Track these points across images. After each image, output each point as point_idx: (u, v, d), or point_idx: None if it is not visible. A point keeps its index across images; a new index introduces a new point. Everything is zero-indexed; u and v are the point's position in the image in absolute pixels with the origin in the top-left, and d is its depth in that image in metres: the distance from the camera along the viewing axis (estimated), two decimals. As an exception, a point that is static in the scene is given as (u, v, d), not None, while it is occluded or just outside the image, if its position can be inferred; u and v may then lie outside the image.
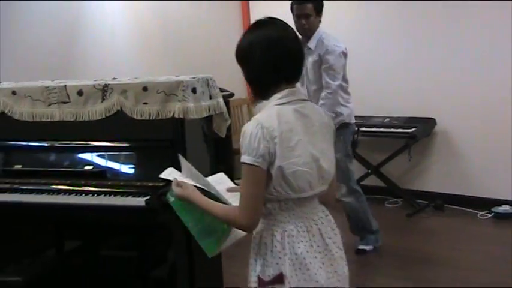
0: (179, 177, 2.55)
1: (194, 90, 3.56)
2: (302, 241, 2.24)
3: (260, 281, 2.28)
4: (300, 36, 2.61)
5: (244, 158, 2.18)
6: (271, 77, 2.26)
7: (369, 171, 6.42)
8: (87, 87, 3.69)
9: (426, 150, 6.27)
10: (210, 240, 2.47)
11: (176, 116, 3.49)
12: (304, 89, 4.80)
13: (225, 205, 2.35)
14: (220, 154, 4.03)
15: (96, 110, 3.67)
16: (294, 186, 2.20)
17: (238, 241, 2.54)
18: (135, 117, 3.58)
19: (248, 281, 2.37)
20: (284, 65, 2.26)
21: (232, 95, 6.65)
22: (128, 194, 3.49)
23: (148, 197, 3.36)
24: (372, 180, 6.45)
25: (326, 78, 4.67)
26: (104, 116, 3.65)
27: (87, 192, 3.58)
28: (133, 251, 4.00)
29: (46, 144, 3.86)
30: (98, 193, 3.55)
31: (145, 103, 3.56)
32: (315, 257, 2.25)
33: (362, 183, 6.46)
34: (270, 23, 2.31)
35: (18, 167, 3.84)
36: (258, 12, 6.67)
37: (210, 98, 3.73)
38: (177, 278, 3.60)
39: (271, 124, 2.18)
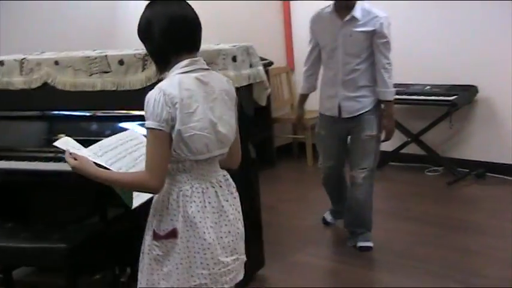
0: (72, 147, 2.61)
1: (234, 59, 3.56)
2: (195, 201, 2.38)
3: (155, 234, 2.44)
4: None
5: (149, 124, 2.31)
6: (171, 49, 2.40)
7: (409, 139, 6.37)
8: (127, 57, 3.72)
9: (467, 118, 6.19)
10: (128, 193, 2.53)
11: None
12: (336, 61, 4.40)
13: (127, 172, 2.47)
14: (260, 123, 4.04)
15: (136, 80, 3.70)
16: (192, 149, 2.34)
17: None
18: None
19: (144, 237, 2.54)
20: (182, 37, 2.40)
21: (271, 63, 6.68)
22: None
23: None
24: (412, 149, 6.41)
25: (383, 51, 4.28)
26: (144, 85, 3.68)
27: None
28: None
29: (88, 114, 3.91)
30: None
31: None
32: (207, 217, 2.39)
33: (402, 151, 6.42)
34: None
35: (61, 136, 3.89)
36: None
37: (250, 66, 3.73)
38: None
39: (172, 91, 2.30)
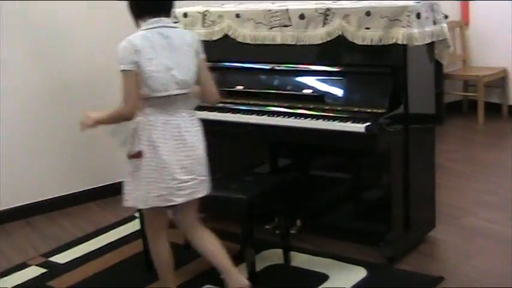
0: None
1: (418, 16, 3.45)
2: (157, 129, 2.97)
3: (128, 155, 3.02)
4: None
5: (121, 67, 2.92)
6: (140, 12, 3.03)
7: None
8: (309, 11, 3.71)
9: None
10: None
11: (399, 42, 3.42)
12: None
13: (111, 110, 3.04)
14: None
15: (317, 34, 3.69)
16: (151, 87, 2.94)
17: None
18: (356, 42, 3.55)
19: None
20: (147, 5, 3.02)
21: (446, 17, 6.40)
22: (346, 120, 3.51)
23: (369, 124, 3.36)
24: None
25: None
26: (324, 41, 3.67)
27: (305, 116, 3.66)
28: (346, 173, 4.03)
29: (266, 67, 3.96)
30: (317, 117, 3.61)
31: (368, 28, 3.51)
32: (167, 142, 2.97)
33: None
34: None
35: (240, 87, 3.99)
36: None
37: (434, 23, 3.61)
38: (391, 203, 3.61)
39: (135, 41, 2.92)
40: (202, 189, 3.13)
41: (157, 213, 3.14)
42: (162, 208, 3.10)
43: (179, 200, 3.04)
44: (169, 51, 2.99)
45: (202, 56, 3.14)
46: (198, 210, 3.28)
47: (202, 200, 3.42)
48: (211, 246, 3.24)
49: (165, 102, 2.99)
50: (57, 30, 4.67)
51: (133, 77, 2.92)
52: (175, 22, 3.18)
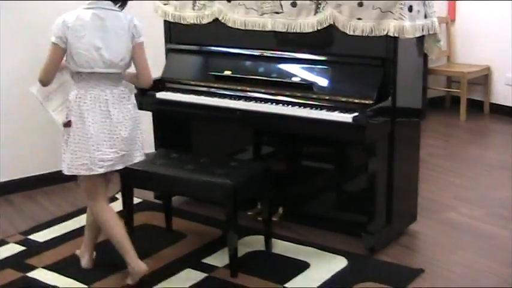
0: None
1: (410, 9, 3.45)
2: (86, 102, 3.21)
3: (62, 123, 3.28)
4: None
5: (51, 38, 3.16)
6: None
7: None
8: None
9: None
10: None
11: (390, 34, 3.42)
12: None
13: None
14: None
15: (308, 23, 3.67)
16: (77, 63, 3.18)
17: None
18: (347, 32, 3.55)
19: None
20: None
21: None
22: (334, 109, 3.51)
23: (356, 114, 3.36)
24: None
25: None
26: (315, 29, 3.66)
27: (293, 104, 3.65)
28: (330, 163, 4.04)
29: (256, 53, 3.94)
30: (304, 105, 3.61)
31: (359, 18, 3.51)
32: (94, 116, 3.21)
33: None
34: None
35: (228, 73, 3.97)
36: None
37: (425, 17, 3.61)
38: (374, 195, 3.62)
39: (68, 19, 3.15)
40: (123, 163, 3.34)
41: (92, 180, 3.34)
42: (95, 176, 3.31)
43: (100, 171, 3.26)
44: (102, 32, 3.19)
45: (139, 39, 3.29)
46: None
47: (187, 183, 3.43)
48: (113, 221, 3.38)
49: (93, 79, 3.23)
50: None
51: (57, 51, 3.19)
52: (120, 5, 3.32)
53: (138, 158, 3.40)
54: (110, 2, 3.25)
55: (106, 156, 3.24)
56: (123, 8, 3.34)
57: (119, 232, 3.37)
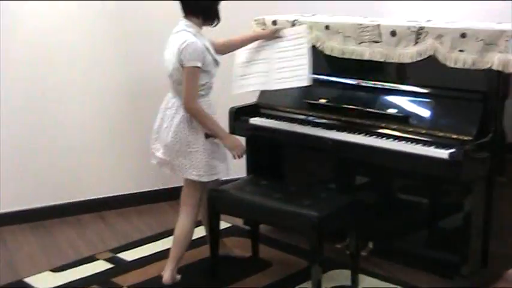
0: None
1: (517, 41, 3.27)
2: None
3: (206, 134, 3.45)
4: None
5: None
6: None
7: None
8: (401, 29, 3.58)
9: None
10: None
11: (494, 67, 3.25)
12: None
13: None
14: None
15: (407, 53, 3.56)
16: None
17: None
18: (447, 64, 3.40)
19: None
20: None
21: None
22: (430, 144, 3.37)
23: (453, 150, 3.21)
24: None
25: None
26: (414, 60, 3.53)
27: (387, 136, 3.54)
28: (424, 198, 3.87)
29: (352, 82, 3.86)
30: (399, 138, 3.49)
31: (461, 50, 3.36)
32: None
33: None
34: None
35: (323, 101, 3.90)
36: None
37: (531, 50, 3.42)
38: (469, 235, 3.43)
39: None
40: (171, 169, 3.59)
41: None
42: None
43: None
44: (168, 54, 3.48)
45: (185, 64, 3.34)
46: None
47: (274, 212, 3.37)
48: (178, 231, 3.59)
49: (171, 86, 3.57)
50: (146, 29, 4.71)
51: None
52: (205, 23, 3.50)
53: (192, 175, 3.48)
54: (188, 22, 3.43)
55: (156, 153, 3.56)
56: (212, 24, 3.50)
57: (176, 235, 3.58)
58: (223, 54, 3.69)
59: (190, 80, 3.35)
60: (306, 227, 3.27)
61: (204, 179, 3.48)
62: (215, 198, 3.59)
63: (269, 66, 3.78)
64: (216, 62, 3.49)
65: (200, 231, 3.85)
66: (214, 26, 3.51)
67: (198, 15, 3.44)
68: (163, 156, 3.52)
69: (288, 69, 3.70)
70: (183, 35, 3.38)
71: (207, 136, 3.44)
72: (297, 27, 3.76)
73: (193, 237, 3.91)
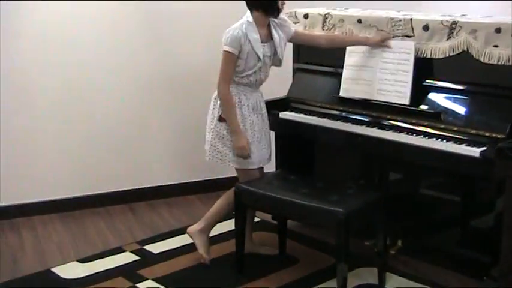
0: None
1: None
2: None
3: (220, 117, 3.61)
4: None
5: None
6: None
7: None
8: (434, 23, 3.51)
9: None
10: None
11: (529, 63, 3.17)
12: None
13: None
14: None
15: (440, 48, 3.49)
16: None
17: None
18: (481, 60, 3.32)
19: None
20: None
21: None
22: (461, 142, 3.30)
23: (484, 148, 3.14)
24: None
25: None
26: (447, 55, 3.46)
27: (418, 133, 3.48)
28: (456, 196, 3.79)
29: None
30: (430, 135, 3.42)
31: (496, 46, 3.27)
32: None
33: None
34: None
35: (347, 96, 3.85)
36: None
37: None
38: (502, 234, 3.34)
39: None
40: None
41: None
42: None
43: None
44: None
45: (222, 48, 3.50)
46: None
47: (300, 208, 3.33)
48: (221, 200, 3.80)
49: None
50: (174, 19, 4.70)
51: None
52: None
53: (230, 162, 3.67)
54: (249, 14, 3.56)
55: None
56: (274, 16, 3.60)
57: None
58: (324, 47, 3.79)
59: (223, 64, 3.52)
60: (332, 223, 3.23)
61: (209, 159, 3.69)
62: (241, 192, 3.56)
63: (373, 74, 3.72)
64: (258, 57, 3.53)
65: (228, 225, 3.84)
66: (276, 17, 3.61)
67: (257, 9, 3.52)
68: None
69: (390, 82, 3.64)
70: (236, 23, 3.53)
71: (221, 119, 3.58)
72: (406, 42, 3.60)
73: (222, 231, 3.93)
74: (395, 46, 3.64)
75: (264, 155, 3.70)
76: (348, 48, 3.82)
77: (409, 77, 3.55)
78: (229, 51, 3.46)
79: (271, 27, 3.61)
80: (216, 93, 3.62)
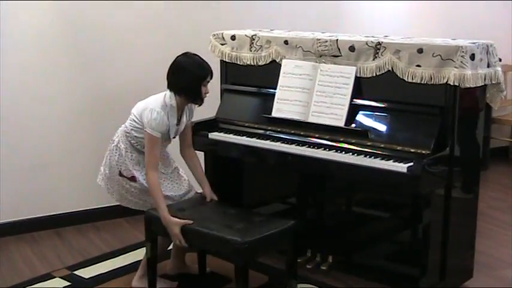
0: None
1: (472, 57, 3.33)
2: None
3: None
4: None
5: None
6: None
7: None
8: (359, 44, 3.62)
9: None
10: None
11: (450, 82, 3.30)
12: None
13: None
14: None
15: (366, 68, 3.59)
16: None
17: None
18: (405, 79, 3.45)
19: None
20: None
21: (500, 60, 6.25)
22: (388, 158, 3.40)
23: (411, 164, 3.24)
24: None
25: None
26: (374, 75, 3.57)
27: (346, 150, 3.56)
28: (383, 211, 3.90)
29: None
30: (358, 152, 3.51)
31: (419, 65, 3.41)
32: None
33: None
34: None
35: (282, 115, 3.90)
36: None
37: (488, 66, 3.49)
38: (428, 248, 3.46)
39: None
40: None
41: None
42: None
43: None
44: None
45: (147, 130, 3.49)
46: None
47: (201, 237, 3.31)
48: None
49: None
50: (104, 40, 4.67)
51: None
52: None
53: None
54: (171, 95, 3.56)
55: None
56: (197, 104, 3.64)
57: None
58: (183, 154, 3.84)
59: (150, 148, 3.49)
60: (229, 252, 3.22)
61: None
62: (151, 219, 3.51)
63: (308, 96, 3.75)
64: (169, 137, 3.64)
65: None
66: (199, 105, 3.63)
67: (180, 95, 3.54)
68: None
69: (326, 104, 3.68)
70: (156, 102, 3.52)
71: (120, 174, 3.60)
72: (347, 67, 3.64)
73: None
74: (334, 70, 3.69)
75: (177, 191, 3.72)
76: (283, 69, 3.85)
77: (346, 100, 3.62)
78: (155, 136, 3.47)
79: (184, 111, 3.66)
80: (116, 138, 3.65)
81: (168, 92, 3.55)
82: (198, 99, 3.57)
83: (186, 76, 3.49)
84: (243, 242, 3.13)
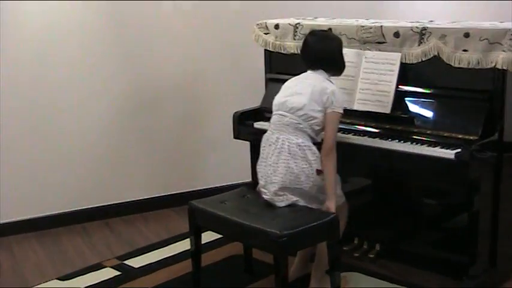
0: None
1: (521, 39, 3.26)
2: None
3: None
4: None
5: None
6: None
7: None
8: (404, 30, 3.57)
9: None
10: None
11: (498, 66, 3.24)
12: None
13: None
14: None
15: (412, 53, 3.55)
16: None
17: None
18: (452, 64, 3.39)
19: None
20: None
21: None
22: (435, 144, 3.36)
23: (459, 150, 3.20)
24: None
25: None
26: (419, 60, 3.52)
27: (393, 137, 3.53)
28: (431, 199, 3.86)
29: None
30: (405, 139, 3.48)
31: (465, 50, 3.35)
32: None
33: None
34: None
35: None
36: None
37: (535, 48, 3.40)
38: (477, 235, 3.42)
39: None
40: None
41: None
42: None
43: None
44: None
45: (334, 109, 3.36)
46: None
47: (240, 228, 3.27)
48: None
49: None
50: (147, 33, 4.71)
51: None
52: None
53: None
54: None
55: None
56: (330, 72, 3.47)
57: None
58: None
59: (335, 125, 3.36)
60: (269, 245, 3.12)
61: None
62: (194, 211, 3.45)
63: (353, 84, 3.73)
64: None
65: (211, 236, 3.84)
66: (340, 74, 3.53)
67: (334, 70, 3.48)
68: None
69: (371, 92, 3.66)
70: (327, 83, 3.38)
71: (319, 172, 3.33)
72: (392, 54, 3.61)
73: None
74: (379, 57, 3.67)
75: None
76: None
77: (392, 87, 3.58)
78: (341, 113, 3.36)
79: None
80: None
81: (319, 76, 3.41)
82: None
83: (338, 55, 3.46)
84: (281, 235, 3.04)
